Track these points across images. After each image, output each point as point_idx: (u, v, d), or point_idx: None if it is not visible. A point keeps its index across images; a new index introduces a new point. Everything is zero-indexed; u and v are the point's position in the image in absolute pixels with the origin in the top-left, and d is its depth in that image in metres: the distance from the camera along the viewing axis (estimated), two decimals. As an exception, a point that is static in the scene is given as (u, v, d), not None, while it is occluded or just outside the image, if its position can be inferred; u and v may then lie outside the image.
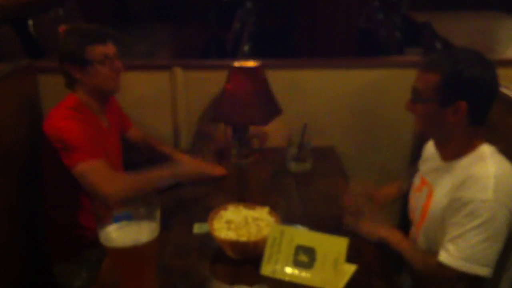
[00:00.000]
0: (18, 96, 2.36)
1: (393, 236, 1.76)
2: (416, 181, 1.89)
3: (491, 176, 1.52)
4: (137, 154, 2.52)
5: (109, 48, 2.09)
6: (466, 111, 1.56)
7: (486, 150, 1.62)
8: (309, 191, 2.29)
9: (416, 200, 1.84)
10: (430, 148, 1.90)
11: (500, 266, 1.58)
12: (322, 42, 4.91)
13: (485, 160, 1.58)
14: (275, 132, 2.75)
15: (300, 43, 5.30)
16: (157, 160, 2.39)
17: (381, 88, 2.78)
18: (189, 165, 2.30)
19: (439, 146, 1.75)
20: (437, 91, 1.58)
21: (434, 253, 1.59)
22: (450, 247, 1.53)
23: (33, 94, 2.54)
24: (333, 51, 4.82)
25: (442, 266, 1.54)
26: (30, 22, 3.84)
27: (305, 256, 1.62)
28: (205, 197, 2.19)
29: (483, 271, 1.49)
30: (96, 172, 1.91)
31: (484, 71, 1.57)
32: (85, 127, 2.01)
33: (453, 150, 1.67)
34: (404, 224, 1.97)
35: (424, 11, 5.38)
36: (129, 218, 1.40)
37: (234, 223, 1.74)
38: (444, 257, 1.54)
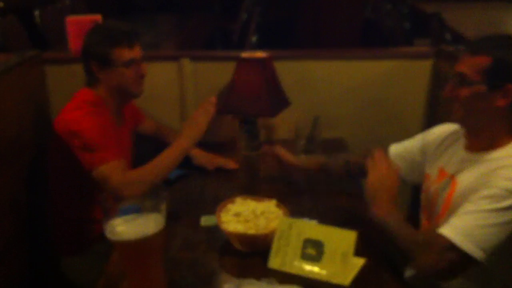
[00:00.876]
0: (25, 87, 2.35)
1: (384, 210, 1.68)
2: (433, 173, 1.84)
3: None
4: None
5: (136, 52, 2.07)
6: None
7: None
8: (318, 183, 2.28)
9: (435, 192, 1.78)
10: (439, 138, 1.87)
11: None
12: (325, 33, 4.89)
13: None
14: (283, 124, 2.74)
15: (303, 34, 5.29)
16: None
17: (389, 80, 2.77)
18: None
19: (472, 134, 1.70)
20: (486, 74, 1.55)
21: None
22: (455, 220, 1.51)
23: (40, 85, 2.54)
24: (337, 42, 4.80)
25: (437, 235, 1.52)
26: (37, 13, 3.83)
27: (313, 250, 1.61)
28: (213, 189, 2.19)
29: (478, 254, 1.46)
30: (116, 175, 1.89)
31: None
32: (105, 125, 2.00)
33: (485, 141, 1.64)
34: (416, 211, 1.95)
35: (431, 2, 5.35)
36: (136, 210, 1.39)
37: (243, 215, 1.73)
38: (446, 228, 1.51)
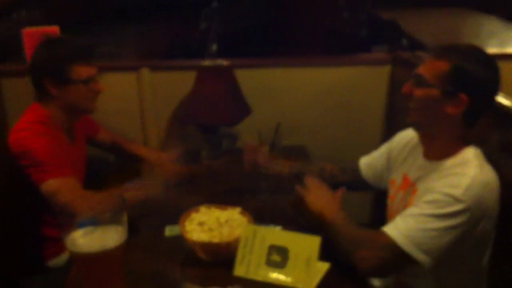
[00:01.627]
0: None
1: (330, 209, 1.73)
2: (397, 179, 1.87)
3: (469, 177, 1.51)
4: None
5: (94, 68, 2.02)
6: (466, 105, 1.56)
7: (471, 153, 1.61)
8: (281, 190, 2.28)
9: (400, 200, 1.81)
10: (401, 144, 1.90)
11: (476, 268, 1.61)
12: (289, 40, 4.91)
13: (469, 163, 1.58)
14: (246, 132, 2.74)
15: (268, 41, 5.30)
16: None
17: (349, 86, 2.80)
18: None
19: (426, 141, 1.73)
20: (443, 79, 1.58)
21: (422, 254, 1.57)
22: (399, 221, 1.54)
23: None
24: (300, 50, 4.82)
25: (379, 233, 1.55)
26: (-8, 25, 3.75)
27: (278, 256, 1.61)
28: (175, 199, 2.17)
29: (420, 256, 1.49)
30: (67, 191, 1.84)
31: (491, 73, 1.58)
32: (53, 143, 1.94)
33: (438, 149, 1.67)
34: (378, 216, 1.96)
35: (389, 9, 5.43)
36: (94, 223, 1.37)
37: (207, 224, 1.73)
38: (390, 228, 1.54)
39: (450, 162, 1.62)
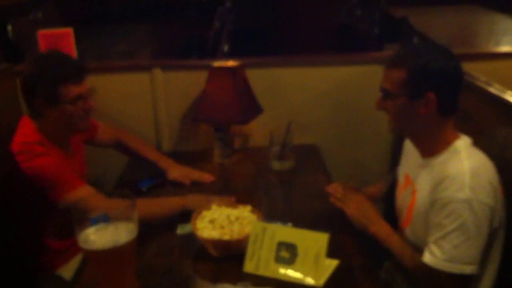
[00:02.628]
0: (-3, 100, 2.34)
1: (382, 231, 1.78)
2: (401, 179, 1.91)
3: (467, 173, 1.53)
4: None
5: (84, 87, 1.97)
6: (436, 101, 1.59)
7: (461, 144, 1.64)
8: (292, 189, 2.31)
9: (402, 199, 1.85)
10: (410, 144, 1.92)
11: (485, 259, 1.61)
12: (302, 39, 4.91)
13: (459, 156, 1.60)
14: (257, 131, 2.76)
15: (280, 40, 5.31)
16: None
17: (361, 85, 2.80)
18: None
19: (416, 142, 1.77)
20: (405, 86, 1.61)
21: (422, 251, 1.61)
22: (434, 248, 1.55)
23: (12, 98, 2.52)
24: (314, 48, 4.82)
25: (428, 267, 1.56)
26: (9, 27, 3.80)
27: (287, 252, 1.64)
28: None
29: (469, 269, 1.51)
30: (95, 197, 1.83)
31: (448, 62, 1.61)
32: (54, 160, 1.93)
33: (430, 146, 1.69)
34: (389, 216, 1.98)
35: (402, 6, 5.41)
36: (106, 220, 1.41)
37: (218, 222, 1.76)
38: (429, 258, 1.56)
39: (442, 157, 1.65)
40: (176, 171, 2.35)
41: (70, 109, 1.94)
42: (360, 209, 1.86)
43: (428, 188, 1.63)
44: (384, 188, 2.19)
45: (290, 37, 5.03)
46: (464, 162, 1.57)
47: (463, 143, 1.65)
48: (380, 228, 1.79)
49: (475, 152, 1.64)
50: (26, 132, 1.99)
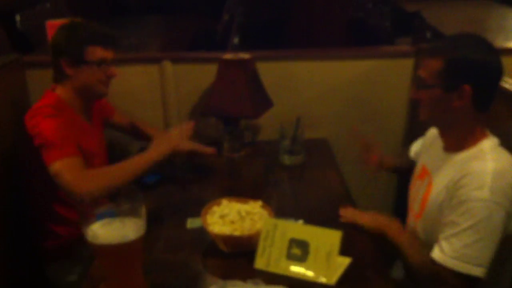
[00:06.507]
0: (6, 91, 2.33)
1: (392, 228, 1.76)
2: (418, 168, 1.88)
3: (489, 173, 1.50)
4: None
5: (109, 53, 2.07)
6: (471, 95, 1.55)
7: (487, 145, 1.61)
8: (302, 183, 2.29)
9: (416, 189, 1.83)
10: (432, 135, 1.90)
11: (499, 266, 1.59)
12: (312, 32, 4.88)
13: (485, 156, 1.57)
14: (266, 125, 2.74)
15: (290, 33, 5.27)
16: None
17: (371, 79, 2.78)
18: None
19: (444, 134, 1.73)
20: (440, 77, 1.58)
21: (432, 246, 1.58)
22: (444, 245, 1.53)
23: (21, 89, 2.52)
24: (325, 41, 4.79)
25: (435, 264, 1.54)
26: (18, 18, 3.80)
27: (298, 250, 1.61)
28: (196, 192, 2.18)
29: (477, 271, 1.48)
30: (69, 171, 1.84)
31: (487, 55, 1.57)
32: (63, 125, 1.95)
33: (456, 140, 1.66)
34: (400, 212, 1.96)
35: (414, 1, 5.38)
36: (112, 215, 1.39)
37: (228, 217, 1.74)
38: (437, 254, 1.54)
39: (465, 154, 1.62)
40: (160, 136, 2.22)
41: (94, 70, 2.03)
42: (374, 219, 1.85)
43: (446, 183, 1.61)
44: (397, 161, 2.20)
45: (300, 30, 4.98)
46: (488, 162, 1.54)
47: (490, 143, 1.62)
48: (390, 224, 1.78)
49: (502, 153, 1.60)
50: (42, 99, 2.05)
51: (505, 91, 1.97)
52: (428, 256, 1.58)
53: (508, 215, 1.50)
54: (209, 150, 2.19)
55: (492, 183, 1.48)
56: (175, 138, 2.07)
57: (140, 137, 2.49)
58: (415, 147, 2.09)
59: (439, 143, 1.77)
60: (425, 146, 1.94)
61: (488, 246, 1.49)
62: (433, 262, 1.54)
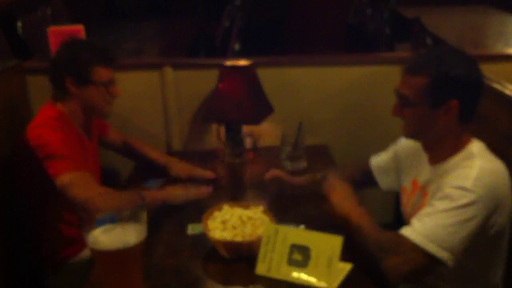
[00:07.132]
0: (6, 97, 2.34)
1: (355, 210, 1.73)
2: (408, 185, 1.86)
3: (476, 167, 1.53)
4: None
5: (113, 73, 2.08)
6: (457, 108, 1.56)
7: (474, 148, 1.62)
8: (303, 189, 2.28)
9: (412, 205, 1.80)
10: (408, 147, 1.89)
11: (490, 263, 1.61)
12: (310, 37, 4.89)
13: (473, 157, 1.58)
14: (268, 131, 2.74)
15: (289, 38, 5.29)
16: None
17: (371, 85, 2.78)
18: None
19: (429, 149, 1.73)
20: (426, 94, 1.57)
21: None
22: (416, 222, 1.53)
23: (21, 94, 2.52)
24: (322, 47, 4.81)
25: (400, 237, 1.53)
26: (19, 24, 3.80)
27: (300, 255, 1.61)
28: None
29: (443, 254, 1.47)
30: (82, 185, 1.85)
31: (470, 69, 1.57)
32: (68, 138, 1.97)
33: (442, 151, 1.66)
34: (401, 217, 1.96)
35: (413, 6, 5.39)
36: (113, 221, 1.39)
37: (229, 222, 1.74)
38: (406, 230, 1.53)
39: (455, 158, 1.63)
40: (177, 168, 2.33)
41: (100, 90, 2.04)
42: (343, 196, 1.82)
43: (440, 186, 1.60)
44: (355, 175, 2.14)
45: (300, 35, 5.00)
46: (477, 160, 1.56)
47: (478, 145, 1.63)
48: (354, 207, 1.75)
49: (490, 156, 1.62)
50: (47, 111, 2.05)
51: (506, 97, 1.98)
52: (389, 233, 1.58)
53: (487, 213, 1.51)
54: (208, 174, 2.29)
55: (477, 177, 1.50)
56: (191, 194, 2.07)
57: (134, 157, 2.47)
58: (381, 161, 2.05)
59: (423, 157, 1.76)
60: (407, 160, 1.89)
61: (460, 234, 1.48)
62: (398, 236, 1.53)
